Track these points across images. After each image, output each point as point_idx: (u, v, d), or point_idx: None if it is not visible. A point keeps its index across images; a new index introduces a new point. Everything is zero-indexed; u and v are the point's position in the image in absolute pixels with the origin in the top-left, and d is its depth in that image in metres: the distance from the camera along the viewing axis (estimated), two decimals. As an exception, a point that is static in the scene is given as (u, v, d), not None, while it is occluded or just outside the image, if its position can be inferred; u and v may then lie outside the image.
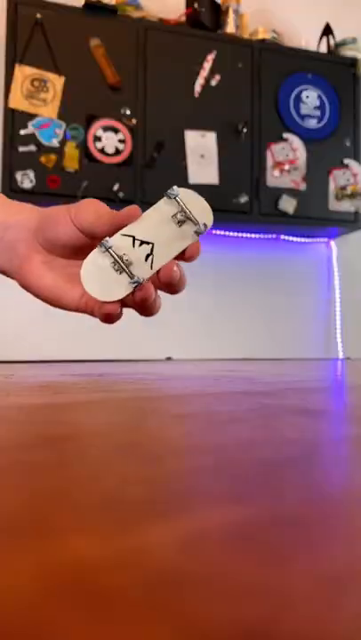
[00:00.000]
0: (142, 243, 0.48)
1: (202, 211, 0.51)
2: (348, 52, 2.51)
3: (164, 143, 2.18)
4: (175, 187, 0.49)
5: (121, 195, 2.08)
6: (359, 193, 2.43)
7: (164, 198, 0.49)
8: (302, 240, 2.64)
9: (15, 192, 1.98)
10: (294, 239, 2.62)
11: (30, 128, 2.05)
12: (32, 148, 2.03)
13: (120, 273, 0.47)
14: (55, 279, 0.51)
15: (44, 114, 2.06)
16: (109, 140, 2.12)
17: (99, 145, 2.11)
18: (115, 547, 0.08)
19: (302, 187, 2.37)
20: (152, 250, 0.48)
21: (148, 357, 2.30)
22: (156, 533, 0.09)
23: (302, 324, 2.65)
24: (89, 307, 0.50)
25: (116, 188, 2.09)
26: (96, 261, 0.47)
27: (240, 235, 2.52)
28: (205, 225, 0.50)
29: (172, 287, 0.49)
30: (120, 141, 2.13)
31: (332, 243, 2.69)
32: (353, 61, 2.47)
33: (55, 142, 2.06)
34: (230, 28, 2.32)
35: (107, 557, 0.08)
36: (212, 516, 0.10)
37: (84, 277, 0.47)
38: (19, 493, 0.12)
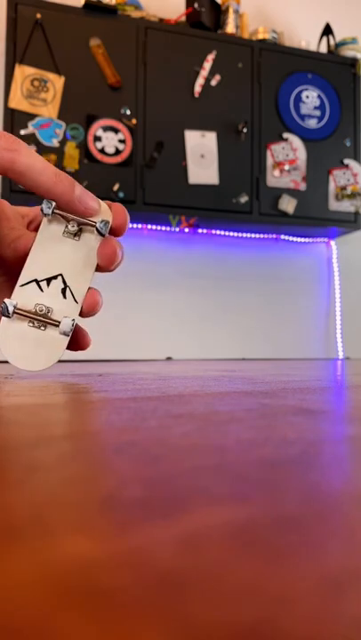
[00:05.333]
0: (49, 280, 0.39)
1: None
2: (348, 52, 2.51)
3: (164, 143, 2.18)
4: (45, 200, 0.40)
5: (121, 195, 2.08)
6: (359, 193, 2.43)
7: (44, 219, 0.41)
8: (302, 240, 2.64)
9: (15, 192, 1.98)
10: (294, 239, 2.62)
11: (30, 128, 2.05)
12: (32, 147, 2.03)
13: (44, 328, 0.39)
14: None
15: (44, 114, 2.06)
16: (109, 140, 2.12)
17: (99, 145, 2.11)
18: (115, 547, 0.08)
19: (302, 187, 2.37)
20: (65, 281, 0.39)
21: (148, 357, 2.30)
22: (156, 533, 0.09)
23: (302, 323, 2.65)
24: None
25: (116, 188, 2.09)
26: (10, 331, 0.38)
27: (240, 235, 2.52)
28: (105, 221, 0.40)
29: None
30: (120, 141, 2.13)
31: (332, 243, 2.69)
32: (353, 61, 2.47)
33: (55, 142, 2.06)
34: (230, 27, 2.32)
35: (107, 557, 0.08)
36: (212, 516, 0.10)
37: (8, 353, 0.38)
38: (18, 493, 0.12)
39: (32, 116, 2.05)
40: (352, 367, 0.87)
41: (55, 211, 0.40)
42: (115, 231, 0.42)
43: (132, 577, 0.07)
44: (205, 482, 0.12)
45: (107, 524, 0.09)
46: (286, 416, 0.24)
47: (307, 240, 2.64)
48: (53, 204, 0.40)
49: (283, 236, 2.59)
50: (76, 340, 0.42)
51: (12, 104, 2.03)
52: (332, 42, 2.54)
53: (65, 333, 0.39)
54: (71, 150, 2.07)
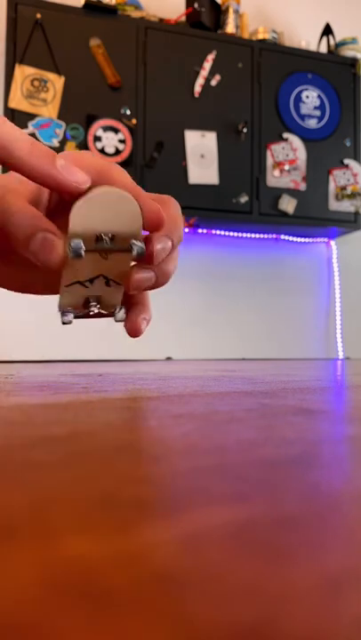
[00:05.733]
0: (92, 280, 0.38)
1: (125, 224, 0.35)
2: (348, 52, 2.51)
3: (164, 143, 2.18)
4: (72, 240, 0.33)
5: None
6: (359, 193, 2.42)
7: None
8: (302, 240, 2.64)
9: (15, 192, 1.98)
10: (294, 239, 2.62)
11: (30, 128, 2.04)
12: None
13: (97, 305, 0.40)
14: None
15: (44, 114, 2.06)
16: (109, 140, 2.12)
17: (99, 145, 2.11)
18: (115, 547, 0.08)
19: (302, 187, 2.37)
20: (106, 277, 0.39)
21: (148, 357, 2.30)
22: (156, 533, 0.09)
23: (302, 324, 2.65)
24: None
25: (116, 188, 2.08)
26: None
27: (240, 235, 2.52)
28: (140, 254, 0.36)
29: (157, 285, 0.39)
30: (120, 141, 2.13)
31: (333, 243, 2.69)
32: (353, 61, 2.47)
33: (55, 142, 2.06)
34: (230, 27, 2.32)
35: (107, 557, 0.08)
36: (213, 516, 0.10)
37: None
38: (18, 493, 0.12)
39: (32, 116, 2.05)
40: (352, 367, 0.87)
41: (82, 252, 0.34)
42: (150, 228, 0.38)
43: (132, 577, 0.07)
44: (205, 482, 0.12)
45: (107, 524, 0.09)
46: (286, 416, 0.24)
47: (307, 240, 2.64)
48: (82, 246, 0.34)
49: (283, 236, 2.59)
50: (131, 321, 0.42)
51: (12, 104, 2.03)
52: (332, 42, 2.54)
53: (120, 321, 0.41)
54: (71, 150, 2.08)
